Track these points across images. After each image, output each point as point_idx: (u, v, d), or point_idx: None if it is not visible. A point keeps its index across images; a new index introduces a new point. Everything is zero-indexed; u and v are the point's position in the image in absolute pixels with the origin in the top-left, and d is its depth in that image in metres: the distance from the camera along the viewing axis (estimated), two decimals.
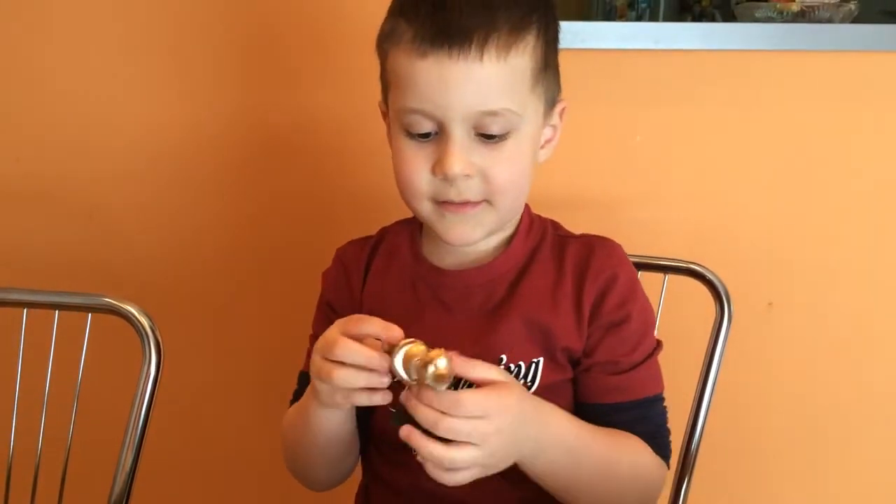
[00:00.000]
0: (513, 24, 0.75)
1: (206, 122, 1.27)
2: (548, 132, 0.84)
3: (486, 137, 0.76)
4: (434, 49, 0.73)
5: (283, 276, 1.31)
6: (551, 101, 0.82)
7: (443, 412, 0.66)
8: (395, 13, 0.78)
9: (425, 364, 0.65)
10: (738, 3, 1.31)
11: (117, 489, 0.91)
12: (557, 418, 0.75)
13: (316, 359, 0.72)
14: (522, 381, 0.81)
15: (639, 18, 1.44)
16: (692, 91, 1.24)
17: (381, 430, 0.86)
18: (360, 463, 0.91)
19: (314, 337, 0.90)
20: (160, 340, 0.92)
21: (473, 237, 0.81)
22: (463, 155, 0.76)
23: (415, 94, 0.75)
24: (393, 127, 0.80)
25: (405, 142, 0.78)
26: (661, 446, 0.84)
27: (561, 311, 0.82)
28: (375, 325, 0.70)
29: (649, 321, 0.86)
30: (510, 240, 0.86)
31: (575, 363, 0.83)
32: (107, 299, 0.95)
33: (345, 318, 0.72)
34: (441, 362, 0.65)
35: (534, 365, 0.81)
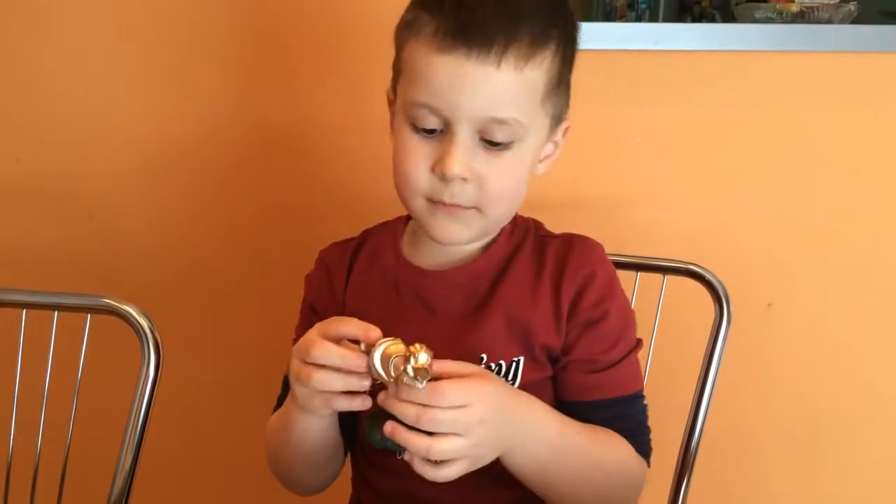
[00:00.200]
0: (534, 36, 0.75)
1: (206, 122, 1.27)
2: (549, 148, 0.84)
3: (490, 144, 0.76)
4: (454, 47, 0.73)
5: (282, 276, 1.31)
6: (558, 117, 0.82)
7: (424, 405, 0.66)
8: (418, 4, 0.78)
9: (406, 358, 0.65)
10: (737, 4, 1.31)
11: (116, 489, 0.91)
12: (539, 411, 0.76)
13: (294, 362, 0.71)
14: (504, 379, 0.81)
15: (639, 19, 1.44)
16: (692, 92, 1.24)
17: (365, 434, 0.85)
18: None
19: (297, 341, 0.90)
20: (159, 341, 0.93)
21: (461, 238, 0.81)
22: (464, 157, 0.76)
23: (427, 88, 0.75)
24: (398, 117, 0.80)
25: (409, 134, 0.78)
26: (641, 444, 0.84)
27: (540, 308, 0.82)
28: (353, 327, 0.70)
29: (628, 319, 0.86)
30: (493, 240, 0.86)
31: (554, 361, 0.83)
32: (106, 300, 0.95)
33: (324, 321, 0.72)
34: (422, 356, 0.65)
35: (514, 364, 0.81)
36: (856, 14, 1.25)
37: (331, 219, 1.28)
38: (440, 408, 0.66)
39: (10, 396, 0.98)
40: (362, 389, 0.69)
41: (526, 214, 0.88)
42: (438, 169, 0.76)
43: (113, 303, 0.95)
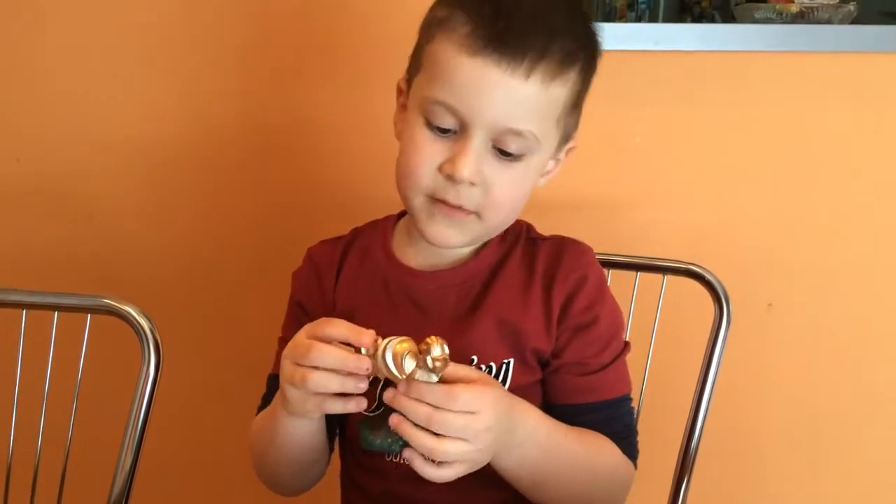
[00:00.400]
0: (565, 54, 0.75)
1: (206, 122, 1.27)
2: (551, 164, 0.84)
3: (501, 153, 0.76)
4: (486, 52, 0.73)
5: (282, 276, 1.31)
6: (566, 137, 0.83)
7: (436, 406, 0.66)
8: (452, 4, 0.77)
9: (420, 352, 0.65)
10: (737, 4, 1.31)
11: (116, 489, 0.91)
12: (531, 416, 0.76)
13: (286, 364, 0.71)
14: None
15: (638, 19, 1.44)
16: (692, 92, 1.24)
17: (354, 436, 0.85)
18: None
19: (283, 340, 0.90)
20: (159, 341, 0.93)
21: (454, 241, 0.81)
22: (476, 162, 0.75)
23: (450, 87, 0.75)
24: (412, 111, 0.79)
25: (421, 130, 0.77)
26: (629, 446, 0.84)
27: (531, 312, 0.82)
28: (343, 329, 0.69)
29: (618, 323, 0.86)
30: (485, 242, 0.86)
31: (544, 364, 0.84)
32: (106, 300, 0.95)
33: (312, 323, 0.71)
34: (437, 349, 0.65)
35: (504, 366, 0.81)
36: (855, 14, 1.25)
37: (330, 219, 1.27)
38: (452, 412, 0.66)
39: (10, 397, 0.98)
40: (358, 391, 0.69)
41: (526, 215, 0.88)
42: (448, 169, 0.76)
43: (113, 303, 0.95)
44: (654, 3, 1.46)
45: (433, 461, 0.68)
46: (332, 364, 0.68)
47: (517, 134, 0.75)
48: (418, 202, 0.79)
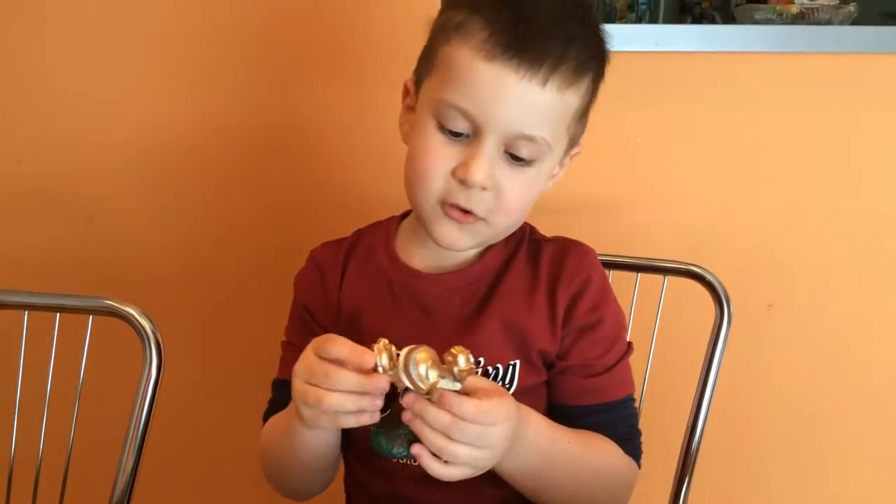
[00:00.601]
0: (580, 62, 0.75)
1: (207, 122, 1.27)
2: (556, 169, 0.84)
3: (513, 158, 0.77)
4: (504, 58, 0.73)
5: (283, 277, 1.31)
6: (573, 143, 0.83)
7: (456, 415, 0.66)
8: (468, 7, 0.77)
9: (446, 363, 0.65)
10: (737, 5, 1.31)
11: (118, 491, 0.91)
12: (534, 422, 0.76)
13: (298, 383, 0.70)
14: (500, 383, 0.82)
15: (639, 20, 1.44)
16: (692, 93, 1.24)
17: (360, 438, 0.85)
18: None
19: (288, 344, 0.90)
20: (161, 342, 0.93)
21: (463, 244, 0.81)
22: (489, 166, 0.76)
23: (465, 92, 0.75)
24: (423, 113, 0.79)
25: (433, 133, 0.77)
26: (632, 447, 0.85)
27: (536, 313, 0.82)
28: (346, 350, 0.67)
29: (621, 324, 0.87)
30: (490, 245, 0.86)
31: (549, 366, 0.84)
32: (108, 301, 0.95)
33: (318, 340, 0.70)
34: (462, 359, 0.65)
35: (511, 367, 0.82)
36: (855, 15, 1.25)
37: (332, 219, 1.28)
38: (473, 423, 0.66)
39: (12, 398, 0.98)
40: (375, 409, 0.68)
41: (527, 216, 0.88)
42: (461, 173, 0.76)
43: (114, 304, 0.95)
44: (654, 4, 1.46)
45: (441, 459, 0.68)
46: (349, 388, 0.67)
47: (530, 140, 0.75)
48: (429, 205, 0.79)
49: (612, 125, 1.22)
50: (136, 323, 0.93)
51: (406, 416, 0.67)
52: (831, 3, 1.25)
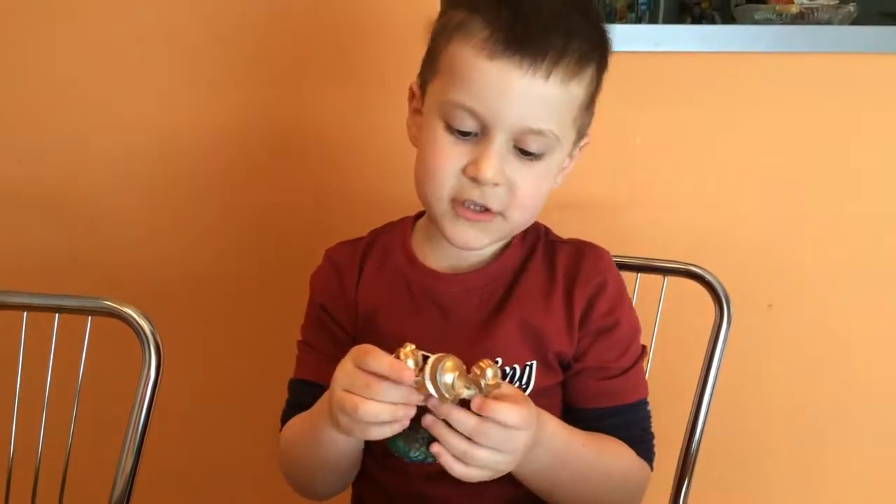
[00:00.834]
0: (582, 53, 0.76)
1: (207, 124, 1.27)
2: (566, 160, 0.84)
3: (522, 153, 0.77)
4: (506, 55, 0.73)
5: (284, 278, 1.31)
6: (581, 134, 0.83)
7: (481, 417, 0.66)
8: (468, 7, 0.77)
9: (473, 375, 0.66)
10: (737, 5, 1.31)
11: (117, 492, 0.91)
12: (550, 425, 0.76)
13: (337, 390, 0.70)
14: (517, 383, 0.82)
15: (638, 20, 1.44)
16: (692, 93, 1.24)
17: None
18: None
19: (305, 343, 0.90)
20: (160, 343, 0.92)
21: (479, 243, 0.81)
22: (499, 163, 0.76)
23: (470, 91, 0.75)
24: (430, 115, 0.79)
25: (442, 134, 0.78)
26: (645, 450, 0.85)
27: (553, 314, 0.83)
28: (384, 364, 0.67)
29: (636, 327, 0.88)
30: (507, 244, 0.86)
31: (565, 367, 0.84)
32: (107, 302, 0.95)
33: (356, 351, 0.70)
34: (490, 372, 0.66)
35: (528, 368, 0.82)
36: (855, 15, 1.25)
37: (333, 221, 1.28)
38: (498, 425, 0.67)
39: (10, 398, 0.98)
40: (408, 417, 0.69)
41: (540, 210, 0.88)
42: (471, 171, 0.76)
43: (114, 305, 0.94)
44: (654, 5, 1.46)
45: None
46: (394, 399, 0.67)
47: (538, 133, 0.76)
48: (442, 206, 0.79)
49: (612, 125, 1.22)
50: (136, 324, 0.93)
51: (426, 421, 0.68)
52: (831, 3, 1.25)
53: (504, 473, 0.71)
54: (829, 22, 1.24)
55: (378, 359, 0.67)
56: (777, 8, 1.25)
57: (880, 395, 1.32)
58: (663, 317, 1.07)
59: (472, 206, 0.78)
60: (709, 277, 1.06)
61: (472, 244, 0.81)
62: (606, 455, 0.82)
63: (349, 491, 0.93)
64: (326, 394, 0.75)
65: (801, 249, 1.28)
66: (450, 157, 0.77)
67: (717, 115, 1.25)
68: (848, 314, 1.29)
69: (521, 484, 0.79)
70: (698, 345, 1.06)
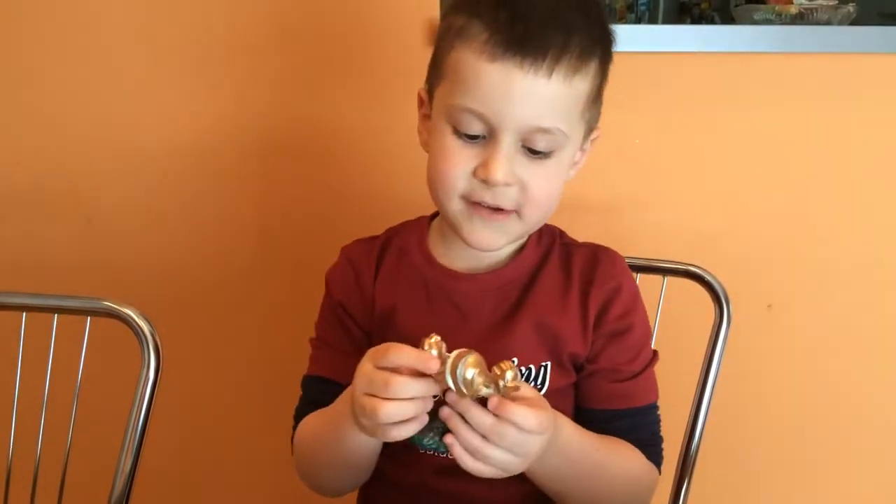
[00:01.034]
0: (583, 49, 0.76)
1: (208, 124, 1.27)
2: (578, 155, 0.85)
3: (531, 152, 0.77)
4: (507, 56, 0.74)
5: (283, 279, 1.32)
6: (591, 128, 0.84)
7: (498, 417, 0.66)
8: (467, 11, 0.78)
9: (493, 376, 0.65)
10: (736, 6, 1.32)
11: (116, 492, 0.91)
12: (565, 428, 0.77)
13: (357, 395, 0.70)
14: (532, 384, 0.82)
15: (638, 21, 1.44)
16: (691, 93, 1.24)
17: None
18: None
19: (320, 340, 0.90)
20: (159, 344, 0.92)
21: (497, 243, 0.82)
22: (508, 164, 0.76)
23: (475, 95, 0.75)
24: (438, 120, 0.80)
25: (450, 138, 0.78)
26: (654, 454, 0.86)
27: (568, 316, 0.84)
28: (409, 357, 0.67)
29: (648, 332, 0.89)
30: (522, 246, 0.87)
31: (578, 368, 0.85)
32: (106, 303, 0.95)
33: (375, 350, 0.70)
34: (509, 374, 0.65)
35: (543, 369, 0.83)
36: (854, 15, 1.25)
37: (332, 223, 1.28)
38: (514, 427, 0.67)
39: (10, 399, 0.98)
40: (426, 414, 0.69)
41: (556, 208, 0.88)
42: (482, 174, 0.77)
43: (113, 305, 0.94)
44: (653, 5, 1.46)
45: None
46: (413, 394, 0.67)
47: (545, 132, 0.76)
48: (455, 207, 0.80)
49: (612, 126, 1.21)
50: (135, 324, 0.93)
51: (444, 413, 0.68)
52: (830, 4, 1.25)
53: (513, 474, 0.71)
54: (828, 22, 1.24)
55: (401, 352, 0.68)
56: (776, 8, 1.25)
57: (880, 395, 1.32)
58: (663, 317, 1.07)
59: (485, 205, 0.79)
60: (708, 278, 1.06)
61: (489, 245, 0.82)
62: (617, 459, 0.82)
63: None
64: (347, 393, 0.75)
65: (801, 250, 1.28)
66: (459, 160, 0.78)
67: (716, 116, 1.25)
68: (847, 314, 1.29)
69: (532, 481, 0.79)
70: (698, 345, 1.06)
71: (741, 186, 1.27)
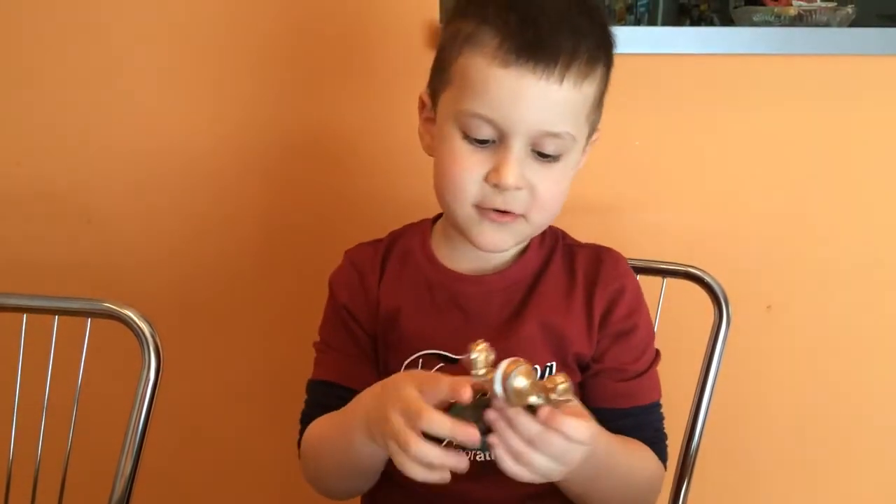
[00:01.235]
0: (591, 53, 0.77)
1: (207, 126, 1.27)
2: (579, 156, 0.85)
3: (540, 155, 0.78)
4: (519, 62, 0.74)
5: (284, 281, 1.31)
6: (593, 130, 0.84)
7: (546, 425, 0.65)
8: (476, 17, 0.78)
9: (544, 386, 0.65)
10: (735, 7, 1.32)
11: (117, 494, 0.91)
12: (603, 440, 0.76)
13: (393, 416, 0.67)
14: None
15: (637, 23, 1.44)
16: (691, 95, 1.24)
17: None
18: None
19: (324, 344, 0.90)
20: (160, 345, 0.92)
21: (505, 245, 0.83)
22: (519, 168, 0.77)
23: (485, 100, 0.76)
24: (446, 125, 0.80)
25: (460, 143, 0.79)
26: (660, 451, 0.87)
27: (573, 316, 0.84)
28: (446, 389, 0.66)
29: (651, 331, 0.90)
30: (525, 247, 0.88)
31: (583, 368, 0.86)
32: (106, 304, 0.95)
33: (417, 379, 0.68)
34: (562, 388, 0.64)
35: (548, 369, 0.84)
36: (853, 17, 1.25)
37: (336, 223, 1.28)
38: (562, 437, 0.65)
39: (10, 401, 0.98)
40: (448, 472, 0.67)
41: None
42: (493, 179, 0.77)
43: (113, 307, 0.94)
44: (652, 7, 1.47)
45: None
46: (440, 433, 0.65)
47: (555, 136, 0.77)
48: (465, 212, 0.80)
49: (611, 127, 1.21)
50: (135, 326, 0.93)
51: (491, 415, 0.66)
52: (829, 6, 1.25)
53: (552, 480, 0.70)
54: (827, 24, 1.24)
55: (441, 384, 0.66)
56: (775, 10, 1.25)
57: (880, 395, 1.32)
58: (662, 318, 1.07)
59: (496, 209, 0.79)
60: (708, 279, 1.06)
61: (498, 247, 0.82)
62: (636, 460, 0.83)
63: None
64: (358, 400, 0.75)
65: (801, 251, 1.28)
66: (470, 165, 0.78)
67: (715, 118, 1.25)
68: (847, 314, 1.29)
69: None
70: (697, 346, 1.06)
71: (741, 187, 1.27)
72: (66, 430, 0.98)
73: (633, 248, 1.11)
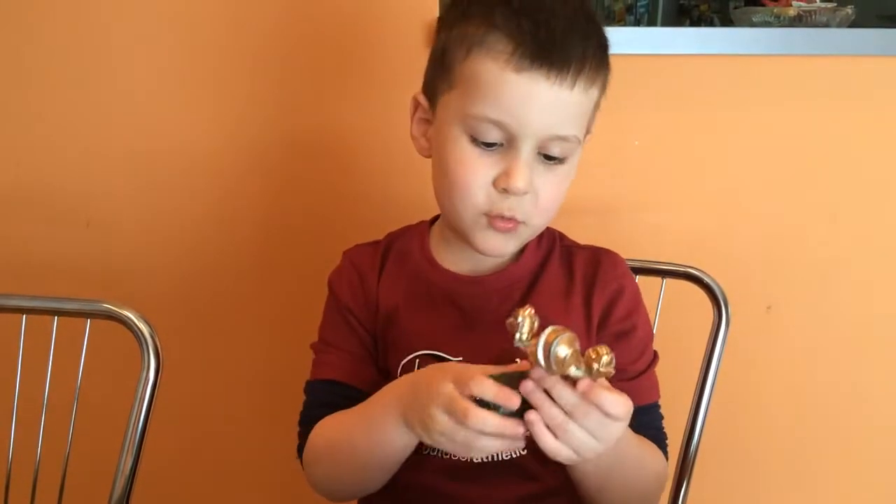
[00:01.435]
0: (597, 58, 0.78)
1: (206, 127, 1.27)
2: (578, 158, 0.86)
3: (546, 158, 0.78)
4: (532, 67, 0.74)
5: (284, 281, 1.31)
6: (588, 130, 0.85)
7: (584, 398, 0.65)
8: (483, 20, 0.77)
9: (587, 358, 0.64)
10: (735, 8, 1.32)
11: (116, 494, 0.91)
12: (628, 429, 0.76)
13: (438, 413, 0.68)
14: None
15: (637, 23, 1.44)
16: (690, 95, 1.24)
17: None
18: None
19: (324, 344, 0.90)
20: (159, 346, 0.92)
21: (508, 250, 0.83)
22: (528, 173, 0.77)
23: (496, 104, 0.76)
24: (450, 127, 0.80)
25: (468, 147, 0.78)
26: (661, 449, 0.87)
27: (572, 317, 0.85)
28: (490, 390, 0.66)
29: (650, 332, 0.90)
30: (523, 248, 0.88)
31: None
32: (106, 305, 0.95)
33: (457, 373, 0.69)
34: (606, 359, 0.64)
35: None
36: (853, 18, 1.26)
37: (335, 223, 1.28)
38: (598, 410, 0.65)
39: (9, 401, 0.98)
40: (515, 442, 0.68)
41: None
42: (503, 183, 0.77)
43: (113, 308, 0.94)
44: (652, 7, 1.47)
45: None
46: (489, 431, 0.66)
47: (563, 139, 0.78)
48: (471, 217, 0.80)
49: (611, 128, 1.21)
50: (135, 326, 0.93)
51: (527, 387, 0.66)
52: (829, 6, 1.25)
53: (582, 461, 0.69)
54: (826, 24, 1.24)
55: (486, 387, 0.66)
56: (775, 10, 1.25)
57: (880, 395, 1.32)
58: (662, 319, 1.07)
59: (503, 217, 0.79)
60: (707, 280, 1.06)
61: (502, 251, 0.83)
62: (647, 455, 0.84)
63: None
64: (393, 390, 0.75)
65: (800, 252, 1.28)
66: (478, 169, 0.78)
67: (715, 118, 1.25)
68: (847, 316, 1.29)
69: (536, 481, 0.79)
70: (697, 347, 1.06)
71: (740, 188, 1.27)
72: (66, 430, 0.98)
73: (632, 249, 1.11)
